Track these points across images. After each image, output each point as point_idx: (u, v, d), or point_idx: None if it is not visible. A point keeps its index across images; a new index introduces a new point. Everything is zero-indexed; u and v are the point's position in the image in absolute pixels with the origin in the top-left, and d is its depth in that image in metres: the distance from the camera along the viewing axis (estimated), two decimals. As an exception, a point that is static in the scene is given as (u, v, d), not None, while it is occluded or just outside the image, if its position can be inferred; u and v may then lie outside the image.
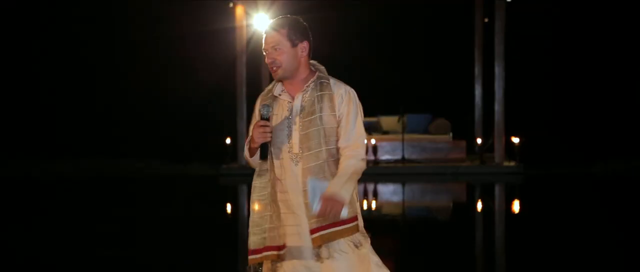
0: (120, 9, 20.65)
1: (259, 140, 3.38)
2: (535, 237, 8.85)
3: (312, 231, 3.38)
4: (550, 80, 20.92)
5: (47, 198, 13.22)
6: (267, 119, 3.38)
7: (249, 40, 16.58)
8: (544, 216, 10.65)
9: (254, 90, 17.39)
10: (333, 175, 3.39)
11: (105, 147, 18.29)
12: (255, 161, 3.48)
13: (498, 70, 15.77)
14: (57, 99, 21.05)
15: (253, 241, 3.47)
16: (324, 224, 3.36)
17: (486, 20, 18.09)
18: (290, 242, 3.45)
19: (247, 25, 16.38)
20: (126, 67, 20.97)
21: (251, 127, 3.51)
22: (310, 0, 16.94)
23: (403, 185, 14.75)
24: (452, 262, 7.56)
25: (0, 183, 15.06)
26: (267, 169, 3.45)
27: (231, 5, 16.54)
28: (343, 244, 3.41)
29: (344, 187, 3.34)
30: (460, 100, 19.31)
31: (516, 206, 11.87)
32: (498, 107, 15.79)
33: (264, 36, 3.47)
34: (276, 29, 3.43)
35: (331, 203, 3.32)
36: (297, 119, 3.43)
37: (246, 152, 3.53)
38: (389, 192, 13.97)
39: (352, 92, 3.50)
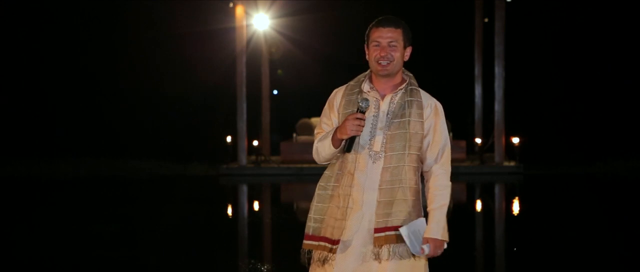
0: (120, 9, 20.66)
1: (351, 132, 3.35)
2: (535, 237, 8.85)
3: (377, 230, 3.40)
4: (550, 80, 20.93)
5: (47, 198, 13.22)
6: (364, 112, 3.37)
7: (249, 40, 16.57)
8: (544, 216, 10.65)
9: (254, 91, 17.44)
10: (409, 182, 3.42)
11: (105, 147, 18.29)
12: (329, 153, 3.45)
13: (498, 70, 15.77)
14: (57, 99, 21.06)
15: (311, 226, 3.49)
16: (389, 225, 3.40)
17: (486, 20, 18.09)
18: (348, 237, 3.43)
19: (247, 25, 16.37)
20: (126, 67, 20.98)
21: (326, 118, 3.53)
22: (311, 0, 16.95)
23: (403, 185, 14.72)
24: (452, 262, 7.56)
25: (0, 183, 15.06)
26: (341, 161, 3.46)
27: (231, 5, 16.53)
28: (403, 249, 3.44)
29: (445, 228, 3.47)
30: (460, 100, 19.30)
31: (516, 206, 11.87)
32: (498, 107, 15.79)
33: (377, 28, 3.46)
34: (395, 25, 3.47)
35: (439, 245, 3.46)
36: (384, 119, 3.45)
37: (322, 144, 3.48)
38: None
39: (440, 106, 3.57)
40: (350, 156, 3.43)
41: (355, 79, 3.57)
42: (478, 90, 18.25)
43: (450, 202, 3.54)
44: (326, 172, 3.51)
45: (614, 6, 20.27)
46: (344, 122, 3.37)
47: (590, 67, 20.76)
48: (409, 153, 3.42)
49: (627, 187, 13.77)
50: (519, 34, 18.37)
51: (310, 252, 3.51)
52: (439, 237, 3.44)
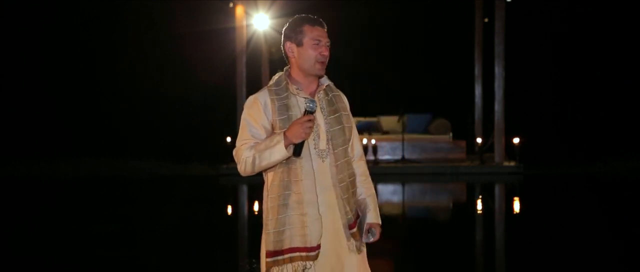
0: (120, 9, 20.66)
1: (304, 136, 3.31)
2: (535, 237, 8.85)
3: (351, 226, 3.48)
4: (550, 80, 20.94)
5: (47, 198, 13.22)
6: (312, 114, 3.34)
7: (249, 40, 16.58)
8: (544, 216, 10.65)
9: (254, 91, 17.38)
10: (351, 175, 3.51)
11: (105, 147, 18.30)
12: (275, 161, 3.37)
13: (498, 70, 15.77)
14: (57, 99, 21.06)
15: (273, 241, 3.40)
16: (355, 219, 3.50)
17: (486, 20, 18.10)
18: (326, 241, 3.42)
19: (247, 25, 16.37)
20: (126, 67, 20.97)
21: (253, 128, 3.44)
22: (311, 0, 16.94)
23: (403, 185, 14.75)
24: (452, 262, 7.56)
25: (0, 183, 15.06)
26: (287, 168, 3.40)
27: (231, 5, 16.53)
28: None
29: (378, 213, 3.63)
30: (460, 100, 19.31)
31: (516, 206, 11.87)
32: (498, 107, 15.79)
33: (314, 26, 3.46)
34: (325, 25, 3.51)
35: (379, 229, 3.59)
36: (322, 117, 3.45)
37: (264, 153, 3.37)
38: (389, 192, 13.97)
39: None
40: (298, 161, 3.39)
41: (275, 82, 3.49)
42: (478, 90, 18.25)
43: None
44: (273, 183, 3.42)
45: (614, 6, 20.27)
46: (293, 126, 3.30)
47: (590, 67, 20.76)
48: (348, 146, 3.52)
49: (627, 187, 13.77)
50: (519, 34, 18.37)
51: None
52: (380, 222, 3.60)
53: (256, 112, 3.45)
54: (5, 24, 20.68)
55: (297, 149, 3.35)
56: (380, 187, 14.22)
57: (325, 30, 3.49)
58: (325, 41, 3.45)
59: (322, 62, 3.44)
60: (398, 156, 16.42)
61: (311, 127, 3.32)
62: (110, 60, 21.16)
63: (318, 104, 3.46)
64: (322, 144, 3.43)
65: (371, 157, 15.91)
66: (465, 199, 13.59)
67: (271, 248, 3.39)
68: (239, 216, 11.22)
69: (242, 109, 3.58)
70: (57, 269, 7.31)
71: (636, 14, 19.98)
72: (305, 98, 3.42)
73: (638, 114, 19.65)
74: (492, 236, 9.36)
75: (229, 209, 12.08)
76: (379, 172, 15.45)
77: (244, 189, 14.15)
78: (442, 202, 13.35)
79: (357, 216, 3.52)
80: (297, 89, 3.44)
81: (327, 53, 3.45)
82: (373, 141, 16.19)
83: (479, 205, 12.30)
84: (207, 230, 9.61)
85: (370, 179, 3.64)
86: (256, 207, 12.06)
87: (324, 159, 3.42)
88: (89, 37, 21.20)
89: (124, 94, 21.10)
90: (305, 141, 3.38)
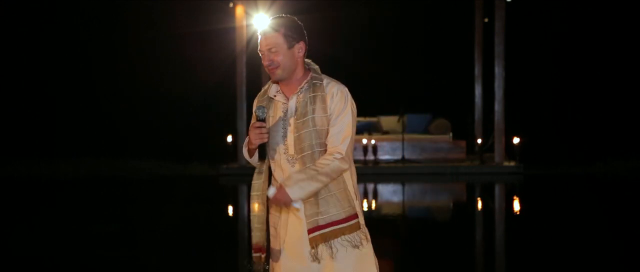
0: (120, 9, 20.65)
1: (255, 141, 3.37)
2: (535, 237, 8.86)
3: (310, 231, 3.37)
4: (550, 80, 20.94)
5: (47, 198, 13.22)
6: (263, 120, 3.38)
7: (249, 40, 16.58)
8: (544, 216, 10.65)
9: (254, 90, 17.38)
10: None
11: (105, 147, 18.29)
12: (254, 161, 3.50)
13: (498, 70, 15.77)
14: (57, 99, 21.06)
15: (256, 236, 3.52)
16: (321, 224, 3.35)
17: (486, 20, 18.09)
18: (289, 244, 3.44)
19: (247, 25, 16.37)
20: (126, 67, 20.97)
21: (252, 120, 3.56)
22: (311, 0, 16.94)
23: (403, 185, 14.74)
24: (452, 262, 7.56)
25: (0, 183, 15.06)
26: (264, 170, 3.47)
27: (231, 5, 16.53)
28: (342, 243, 3.38)
29: (298, 184, 3.32)
30: (460, 100, 19.30)
31: (516, 206, 11.87)
32: (498, 107, 15.79)
33: (259, 37, 3.44)
34: (273, 30, 3.40)
35: (281, 194, 3.34)
36: (291, 121, 3.41)
37: (245, 153, 3.54)
38: (389, 192, 13.97)
39: (345, 91, 3.43)
40: (272, 164, 3.45)
41: (268, 83, 3.57)
42: (478, 90, 18.24)
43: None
44: (253, 183, 3.50)
45: (614, 6, 20.26)
46: (249, 132, 3.41)
47: (590, 67, 20.75)
48: (320, 150, 3.37)
49: (627, 187, 13.77)
50: (519, 34, 18.36)
51: (267, 263, 3.57)
52: (287, 185, 3.32)
53: (253, 111, 3.55)
54: (5, 24, 20.67)
55: (259, 153, 3.42)
56: (380, 187, 14.22)
57: (267, 35, 3.40)
58: (265, 49, 3.42)
59: (272, 72, 3.44)
60: (398, 156, 16.42)
61: (261, 133, 3.35)
62: (110, 60, 21.15)
63: (292, 106, 3.42)
64: (291, 149, 3.41)
65: (371, 157, 15.91)
66: (465, 199, 13.58)
67: (255, 241, 3.54)
68: (239, 216, 11.22)
69: (243, 109, 3.67)
70: (57, 269, 7.31)
71: (636, 14, 19.97)
72: (281, 102, 3.46)
73: (638, 114, 19.64)
74: (492, 236, 9.36)
75: (229, 209, 12.08)
76: (379, 172, 15.45)
77: (244, 189, 14.16)
78: (442, 202, 13.35)
79: (318, 227, 3.37)
80: (277, 92, 3.48)
81: (267, 62, 3.43)
82: (373, 141, 16.18)
83: (479, 205, 12.29)
84: (207, 230, 9.61)
85: (327, 165, 3.31)
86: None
87: (294, 165, 3.40)
88: (89, 37, 21.19)
89: (124, 94, 21.09)
90: (276, 146, 3.41)
